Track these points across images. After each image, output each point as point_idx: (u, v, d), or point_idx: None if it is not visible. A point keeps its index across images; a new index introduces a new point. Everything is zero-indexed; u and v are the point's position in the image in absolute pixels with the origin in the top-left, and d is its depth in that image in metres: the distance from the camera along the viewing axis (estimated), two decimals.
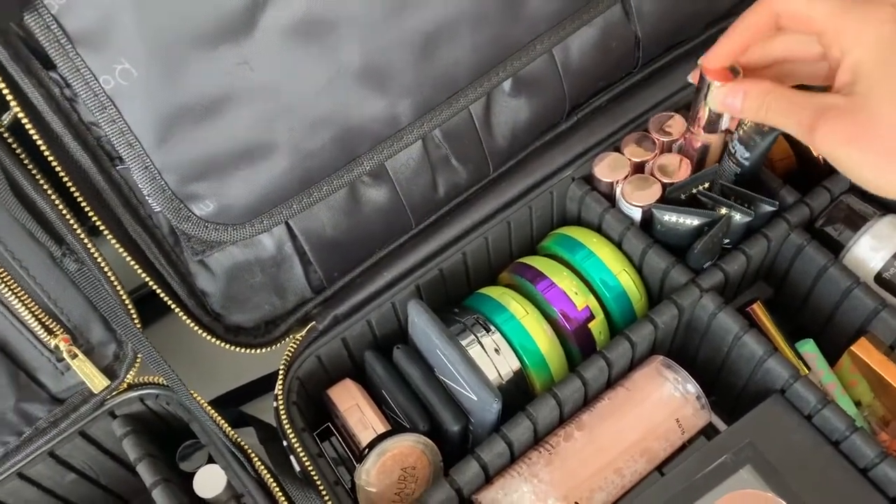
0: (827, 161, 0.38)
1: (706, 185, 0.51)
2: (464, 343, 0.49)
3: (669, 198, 0.52)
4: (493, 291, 0.53)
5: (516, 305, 0.51)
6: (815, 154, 0.53)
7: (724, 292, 0.50)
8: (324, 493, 0.44)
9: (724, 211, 0.50)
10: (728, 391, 0.52)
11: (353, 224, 0.51)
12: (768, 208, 0.50)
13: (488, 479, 0.47)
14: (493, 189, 0.55)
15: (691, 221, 0.50)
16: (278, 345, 0.52)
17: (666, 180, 0.52)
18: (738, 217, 0.49)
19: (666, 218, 0.50)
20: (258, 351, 0.51)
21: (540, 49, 0.51)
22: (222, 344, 0.50)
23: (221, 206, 0.45)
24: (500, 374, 0.50)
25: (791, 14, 0.39)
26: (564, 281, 0.52)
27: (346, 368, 0.53)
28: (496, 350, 0.50)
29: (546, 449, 0.47)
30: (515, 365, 0.50)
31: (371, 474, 0.45)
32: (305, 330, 0.51)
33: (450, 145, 0.52)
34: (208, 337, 0.49)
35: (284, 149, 0.45)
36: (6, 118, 0.41)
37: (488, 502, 0.45)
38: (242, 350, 0.50)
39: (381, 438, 0.46)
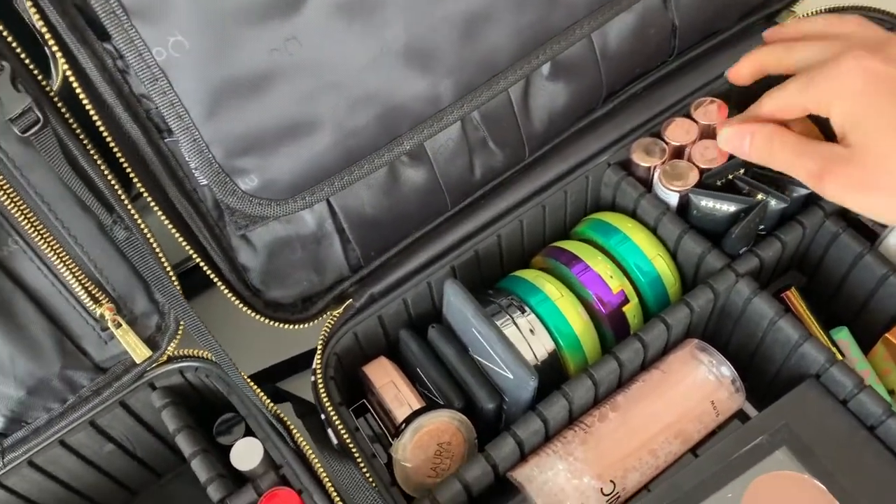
0: None
1: (742, 171, 0.51)
2: (499, 323, 0.50)
3: (706, 183, 0.52)
4: (527, 274, 0.53)
5: (551, 287, 0.52)
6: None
7: (758, 278, 0.51)
8: (361, 465, 0.45)
9: (760, 197, 0.50)
10: (760, 377, 0.52)
11: (391, 203, 0.51)
12: (803, 192, 0.50)
13: (523, 456, 0.47)
14: (529, 173, 0.55)
15: (728, 207, 0.50)
16: (315, 322, 0.53)
17: (704, 166, 0.52)
18: (773, 203, 0.50)
19: (703, 203, 0.51)
20: (295, 327, 0.52)
21: (579, 34, 0.51)
22: (261, 318, 0.50)
23: (266, 180, 0.46)
24: (534, 355, 0.50)
25: (782, 110, 0.43)
26: (599, 265, 0.52)
27: (380, 346, 0.53)
28: (531, 331, 0.50)
29: (581, 428, 0.48)
30: (550, 346, 0.51)
31: (407, 449, 0.46)
32: (343, 307, 0.52)
33: (488, 128, 0.52)
34: (248, 311, 0.50)
35: (328, 126, 0.46)
36: (56, 82, 0.42)
37: (523, 478, 0.46)
38: (280, 325, 0.51)
39: (416, 414, 0.47)
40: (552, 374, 0.51)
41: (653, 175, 0.54)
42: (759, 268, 0.50)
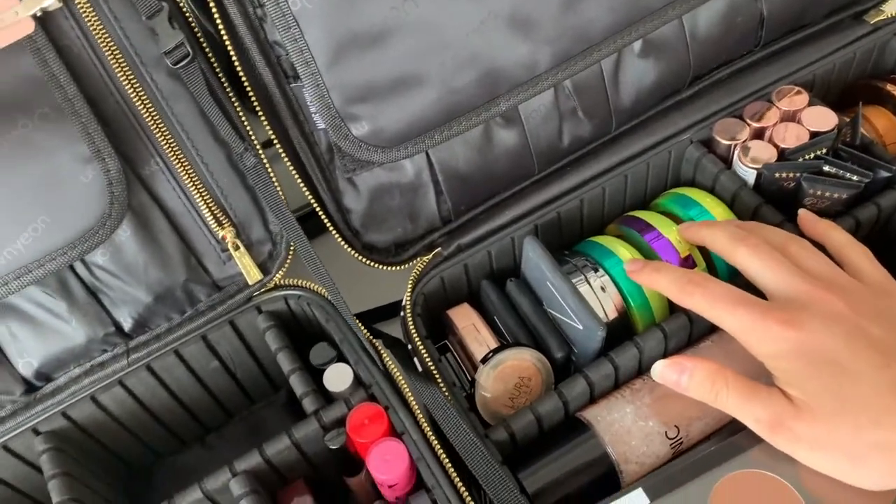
0: None
1: (823, 150, 0.54)
2: (573, 281, 0.53)
3: (785, 159, 0.54)
4: (602, 239, 0.57)
5: (625, 251, 0.55)
6: None
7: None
8: (444, 390, 0.49)
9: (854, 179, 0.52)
10: None
11: (483, 162, 0.55)
12: (885, 174, 0.52)
13: (592, 399, 0.50)
14: (614, 145, 0.59)
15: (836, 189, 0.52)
16: (405, 266, 0.57)
17: (783, 145, 0.55)
18: (855, 179, 0.52)
19: (777, 175, 0.53)
20: (388, 269, 0.56)
21: (671, 14, 0.55)
22: (359, 257, 0.55)
23: (375, 128, 0.50)
24: (605, 312, 0.53)
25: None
26: (672, 234, 0.55)
27: (462, 294, 0.58)
28: (602, 289, 0.54)
29: (650, 377, 0.50)
30: (620, 305, 0.54)
31: (490, 378, 0.50)
32: (432, 254, 0.56)
33: (579, 97, 0.56)
34: (348, 249, 0.54)
35: (434, 82, 0.50)
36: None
37: (591, 417, 0.49)
38: (375, 266, 0.56)
39: (502, 349, 0.50)
40: (621, 332, 0.54)
41: (733, 153, 0.57)
42: None
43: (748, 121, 0.57)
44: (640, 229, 0.56)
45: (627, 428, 0.48)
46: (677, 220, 0.57)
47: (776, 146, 0.55)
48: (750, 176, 0.56)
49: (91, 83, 0.46)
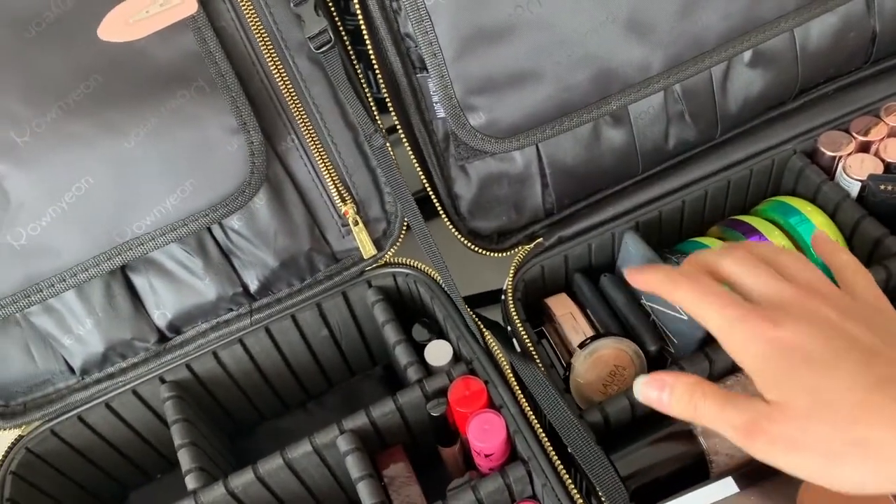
0: None
1: None
2: None
3: (891, 172, 0.55)
4: (705, 240, 0.58)
5: None
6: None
7: None
8: (542, 370, 0.51)
9: None
10: None
11: (589, 158, 0.58)
12: None
13: None
14: (718, 151, 0.60)
15: None
16: (504, 255, 0.60)
17: (889, 160, 0.56)
18: None
19: (882, 187, 0.54)
20: (488, 254, 0.59)
21: (784, 26, 0.56)
22: (463, 240, 0.58)
23: (491, 119, 0.53)
24: None
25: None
26: (776, 238, 0.56)
27: (559, 284, 0.60)
28: None
29: (743, 376, 0.52)
30: None
31: (586, 363, 0.52)
32: (534, 244, 0.59)
33: (687, 102, 0.58)
34: (454, 232, 0.58)
35: (550, 78, 0.53)
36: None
37: None
38: (478, 250, 0.59)
39: (599, 337, 0.52)
40: None
41: (837, 165, 0.58)
42: None
43: (854, 134, 0.58)
44: (744, 231, 0.57)
45: None
46: (778, 226, 0.58)
47: (882, 160, 0.56)
48: (853, 188, 0.56)
49: (241, 62, 0.50)
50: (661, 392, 0.40)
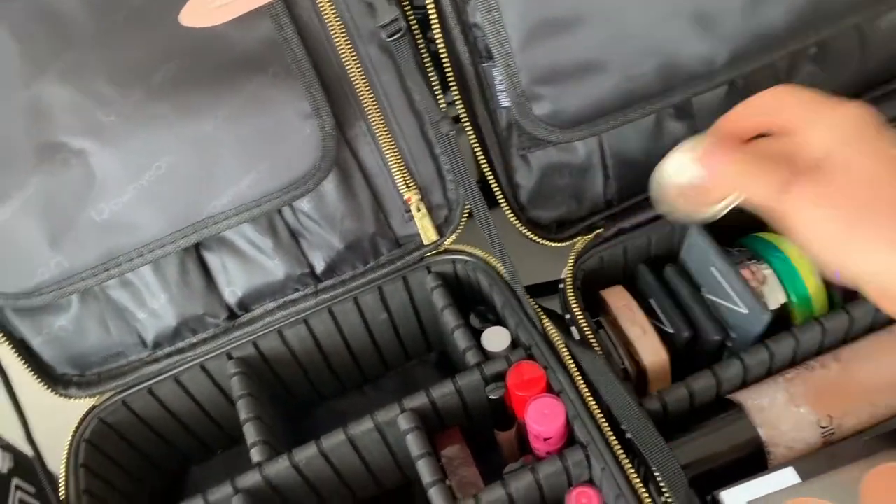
0: None
1: None
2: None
3: None
4: (768, 235, 0.58)
5: (791, 248, 0.56)
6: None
7: None
8: (602, 357, 0.52)
9: None
10: None
11: (652, 150, 0.58)
12: None
13: (745, 382, 0.52)
14: None
15: None
16: (562, 244, 0.60)
17: None
18: None
19: None
20: (546, 244, 0.60)
21: (850, 21, 0.56)
22: (523, 229, 0.59)
23: (555, 109, 0.54)
24: (766, 302, 0.55)
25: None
26: None
27: (616, 276, 0.60)
28: (765, 280, 0.55)
29: (804, 369, 0.52)
30: (782, 298, 0.55)
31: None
32: (593, 234, 0.59)
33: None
34: (514, 220, 0.58)
35: (615, 69, 0.53)
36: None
37: (742, 399, 0.51)
38: (537, 239, 0.59)
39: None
40: (780, 325, 0.55)
41: None
42: None
43: None
44: None
45: (778, 413, 0.50)
46: None
47: None
48: None
49: (316, 49, 0.52)
50: (711, 159, 0.41)
